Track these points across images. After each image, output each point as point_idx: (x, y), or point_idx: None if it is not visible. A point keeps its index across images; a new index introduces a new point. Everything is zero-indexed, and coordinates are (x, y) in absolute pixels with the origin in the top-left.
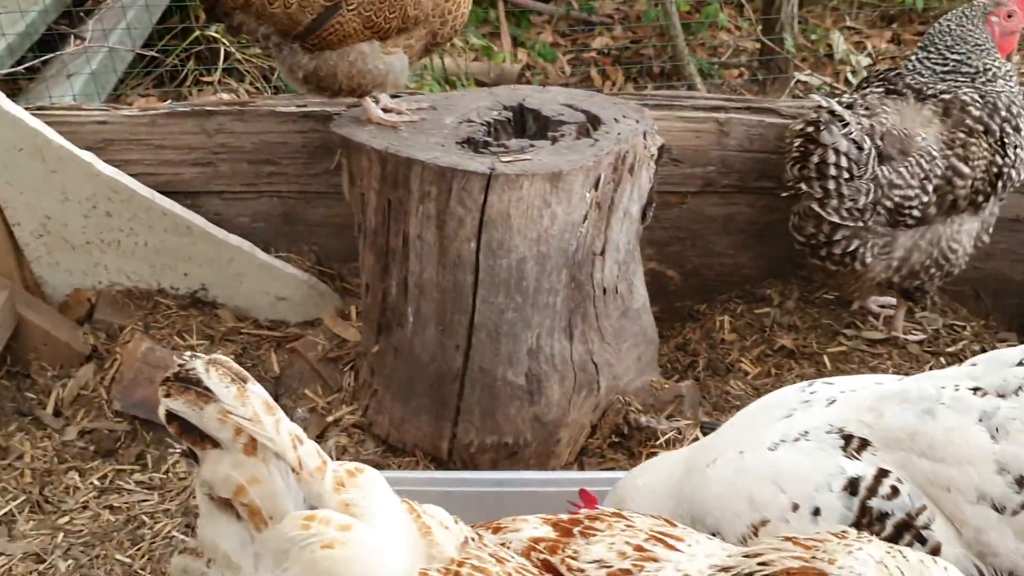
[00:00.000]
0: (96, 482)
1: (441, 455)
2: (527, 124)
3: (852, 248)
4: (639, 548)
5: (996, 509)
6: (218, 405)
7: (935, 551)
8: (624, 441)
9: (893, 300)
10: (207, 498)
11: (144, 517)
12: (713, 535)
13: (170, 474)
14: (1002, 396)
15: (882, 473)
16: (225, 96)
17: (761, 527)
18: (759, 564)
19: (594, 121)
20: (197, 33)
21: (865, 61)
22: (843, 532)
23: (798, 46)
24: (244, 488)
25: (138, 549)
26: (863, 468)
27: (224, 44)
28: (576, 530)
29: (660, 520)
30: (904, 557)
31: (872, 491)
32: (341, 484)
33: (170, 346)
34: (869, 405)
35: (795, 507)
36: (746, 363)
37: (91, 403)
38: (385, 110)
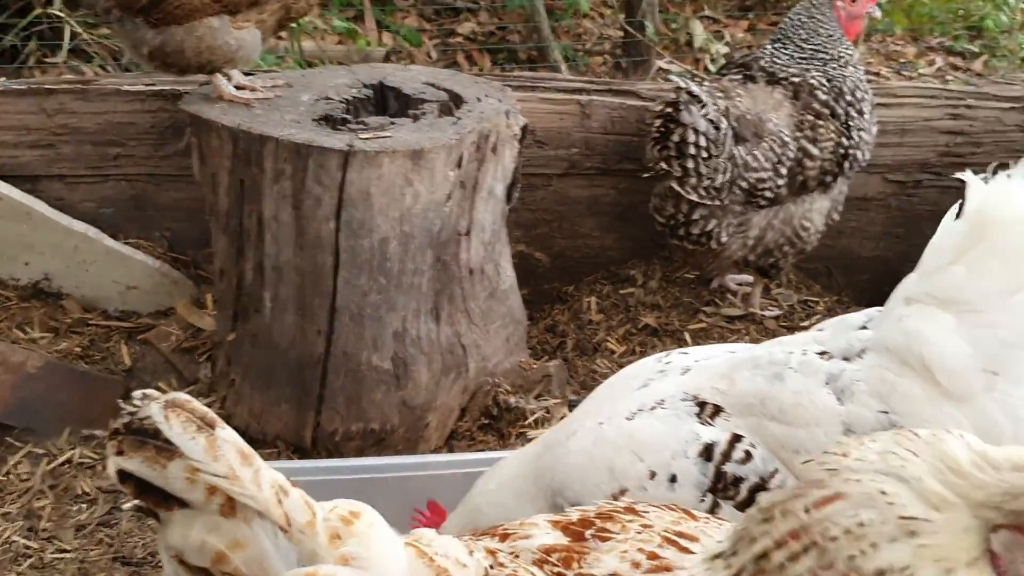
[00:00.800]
0: None
1: (305, 445)
2: (388, 103)
3: (709, 227)
4: (653, 556)
5: None
6: (184, 461)
7: None
8: (494, 422)
9: (750, 278)
10: (176, 563)
11: None
12: (574, 507)
13: (11, 476)
14: (847, 359)
15: (736, 438)
16: (68, 76)
17: (620, 496)
18: (750, 546)
19: (456, 100)
20: (38, 11)
21: (723, 49)
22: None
23: (659, 34)
24: (225, 556)
25: None
26: (717, 434)
27: (69, 23)
28: (588, 533)
29: (676, 513)
30: (914, 434)
31: (726, 456)
32: (337, 536)
33: (10, 339)
34: (722, 372)
35: (653, 475)
36: (612, 342)
37: None
38: (238, 87)
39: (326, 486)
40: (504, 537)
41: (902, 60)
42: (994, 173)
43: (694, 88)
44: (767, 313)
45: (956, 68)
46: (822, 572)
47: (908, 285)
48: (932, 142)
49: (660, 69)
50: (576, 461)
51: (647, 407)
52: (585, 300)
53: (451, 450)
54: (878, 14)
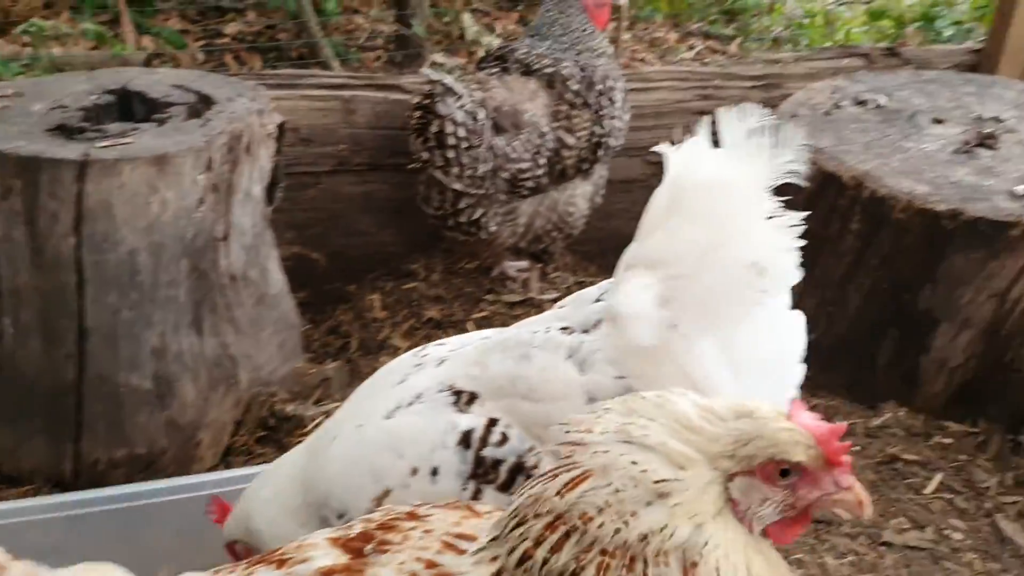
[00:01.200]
0: None
1: (65, 478)
2: (134, 108)
3: (477, 216)
4: (430, 564)
5: None
6: None
7: None
8: (272, 433)
9: (527, 263)
10: None
11: None
12: (341, 516)
13: None
14: (586, 332)
15: (492, 422)
16: None
17: (384, 498)
18: (509, 555)
19: (206, 101)
20: None
21: (496, 42)
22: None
23: (431, 29)
24: None
25: None
26: (474, 420)
27: None
28: (368, 548)
29: (460, 511)
30: (645, 399)
31: (484, 441)
32: None
33: None
34: (475, 359)
35: (415, 471)
36: (397, 338)
37: None
38: None
39: (92, 519)
40: (281, 563)
41: (665, 46)
42: (683, 140)
43: (447, 80)
44: (545, 296)
45: (714, 51)
46: (585, 556)
47: (627, 253)
48: (686, 123)
49: (433, 63)
50: (338, 468)
51: (405, 403)
52: (368, 298)
53: (228, 467)
54: (623, 1)
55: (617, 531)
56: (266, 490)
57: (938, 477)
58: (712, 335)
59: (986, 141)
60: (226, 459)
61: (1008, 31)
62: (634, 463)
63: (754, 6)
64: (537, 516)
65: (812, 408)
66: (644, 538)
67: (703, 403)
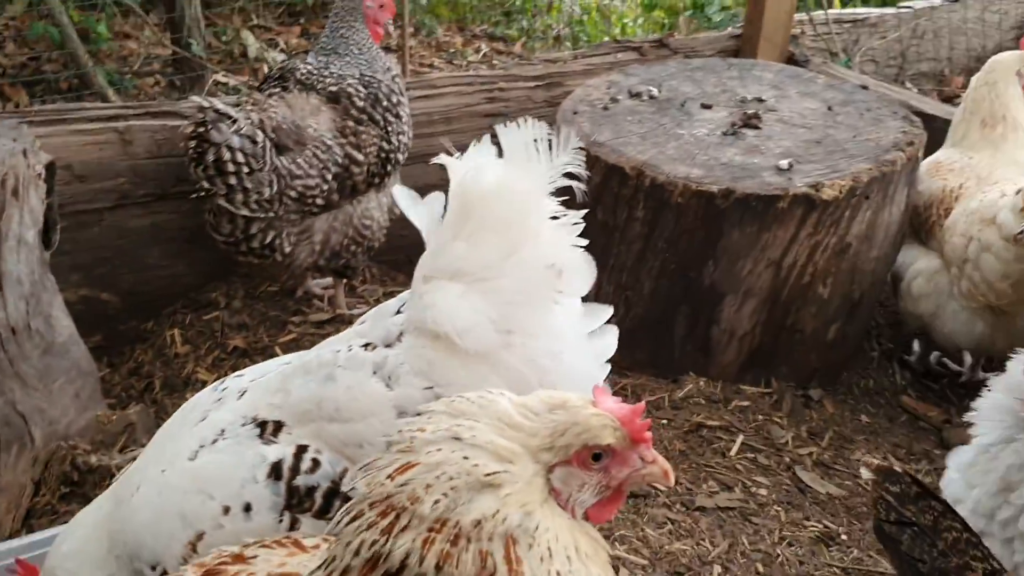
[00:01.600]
0: None
1: None
2: None
3: (270, 239)
4: None
5: None
6: None
7: None
8: (77, 488)
9: (330, 280)
10: None
11: None
12: (154, 567)
13: None
14: (388, 346)
15: (301, 449)
16: None
17: (198, 542)
18: (345, 548)
19: None
20: None
21: (280, 57)
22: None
23: (212, 48)
24: None
25: None
26: (282, 450)
27: None
28: None
29: (286, 548)
30: (468, 401)
31: (295, 470)
32: None
33: None
34: (277, 387)
35: (226, 510)
36: (202, 372)
37: None
38: None
39: None
40: None
41: (451, 50)
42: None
43: (220, 105)
44: (355, 311)
45: (500, 53)
46: (416, 535)
47: (423, 264)
48: (476, 126)
49: (216, 83)
50: (145, 518)
51: (208, 441)
52: (167, 334)
53: (31, 530)
54: (392, 30)
55: (448, 514)
56: (67, 544)
57: (740, 439)
58: (524, 335)
59: (751, 122)
60: (28, 523)
61: (763, 14)
62: (466, 458)
63: (532, 6)
64: (371, 505)
65: (620, 388)
66: (478, 524)
67: (519, 400)
